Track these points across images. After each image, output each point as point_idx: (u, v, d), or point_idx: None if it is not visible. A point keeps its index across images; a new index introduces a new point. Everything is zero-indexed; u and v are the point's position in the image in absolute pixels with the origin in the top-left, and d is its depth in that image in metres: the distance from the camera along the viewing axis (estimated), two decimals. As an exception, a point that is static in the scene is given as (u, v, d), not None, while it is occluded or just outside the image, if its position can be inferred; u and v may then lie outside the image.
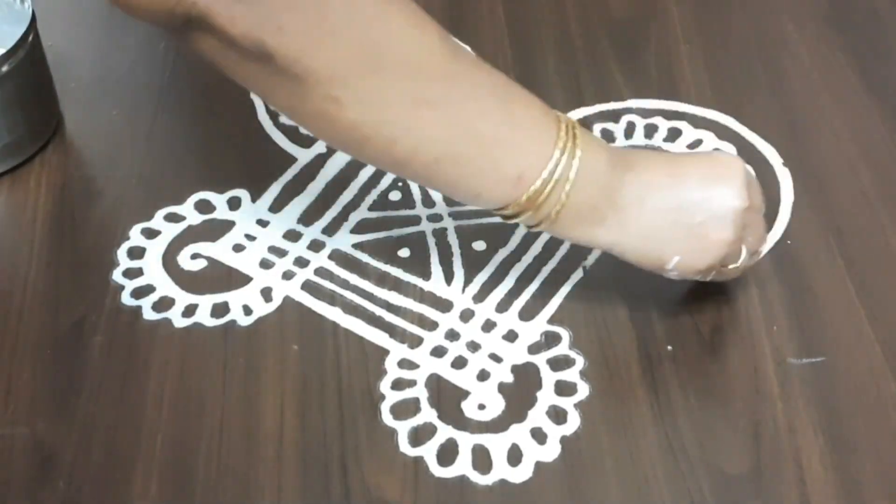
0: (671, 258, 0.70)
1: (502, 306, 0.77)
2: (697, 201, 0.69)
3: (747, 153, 0.87)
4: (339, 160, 0.87)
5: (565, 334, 0.75)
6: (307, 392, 0.72)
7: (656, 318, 0.76)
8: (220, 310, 0.77)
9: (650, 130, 0.89)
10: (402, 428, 0.70)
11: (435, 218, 0.82)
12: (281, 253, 0.80)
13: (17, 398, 0.72)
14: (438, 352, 0.74)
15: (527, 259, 0.80)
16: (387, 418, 0.70)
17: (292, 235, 0.82)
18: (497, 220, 0.82)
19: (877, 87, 0.92)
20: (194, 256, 0.80)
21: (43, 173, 0.86)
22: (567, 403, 0.71)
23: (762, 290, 0.77)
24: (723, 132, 0.89)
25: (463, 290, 0.78)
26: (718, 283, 0.77)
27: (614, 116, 0.90)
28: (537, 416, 0.70)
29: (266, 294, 0.78)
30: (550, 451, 0.69)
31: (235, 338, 0.75)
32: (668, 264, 0.70)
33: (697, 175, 0.70)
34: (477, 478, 0.68)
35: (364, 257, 0.80)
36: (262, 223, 0.83)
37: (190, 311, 0.77)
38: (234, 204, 0.84)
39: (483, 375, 0.73)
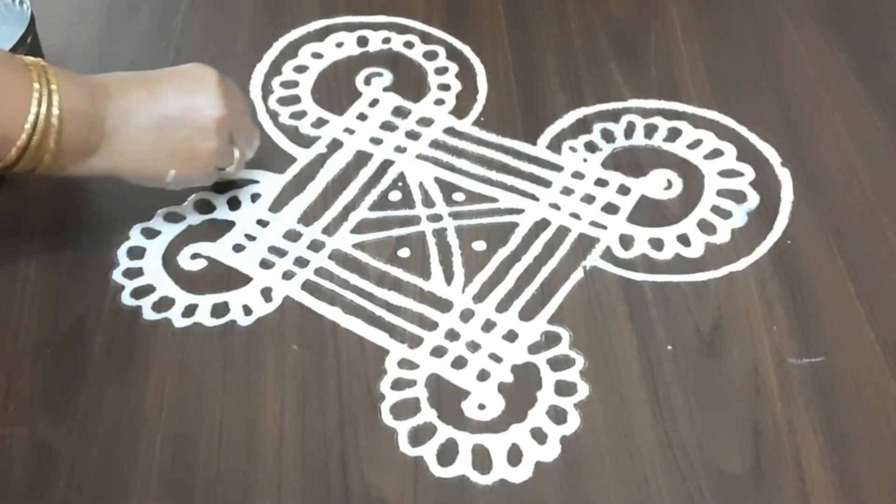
0: (167, 173, 0.76)
1: (502, 306, 0.77)
2: (177, 116, 0.74)
3: (747, 153, 0.87)
4: (339, 160, 0.87)
5: (565, 334, 0.75)
6: (307, 392, 0.72)
7: (656, 318, 0.76)
8: (220, 310, 0.77)
9: (650, 130, 0.89)
10: (402, 428, 0.70)
11: (435, 218, 0.82)
12: (281, 253, 0.80)
13: (17, 398, 0.72)
14: (438, 352, 0.74)
15: (527, 259, 0.80)
16: (387, 418, 0.70)
17: (292, 235, 0.82)
18: (497, 219, 0.82)
19: (877, 87, 0.92)
20: (194, 256, 0.80)
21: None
22: (567, 403, 0.71)
23: (762, 290, 0.77)
24: (723, 132, 0.89)
25: (463, 290, 0.78)
26: (722, 284, 0.77)
27: (614, 116, 0.90)
28: (537, 416, 0.70)
29: (266, 294, 0.78)
30: (550, 451, 0.69)
31: (235, 338, 0.75)
32: (167, 178, 0.76)
33: (172, 91, 0.75)
34: (477, 478, 0.68)
35: (364, 257, 0.80)
36: (262, 223, 0.83)
37: (190, 311, 0.77)
38: (233, 204, 0.84)
39: (483, 375, 0.73)
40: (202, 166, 0.77)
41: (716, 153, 0.87)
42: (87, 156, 0.73)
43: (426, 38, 0.97)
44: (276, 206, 0.84)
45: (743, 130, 0.89)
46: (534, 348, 0.74)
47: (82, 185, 0.85)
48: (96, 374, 0.73)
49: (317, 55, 0.96)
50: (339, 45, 0.97)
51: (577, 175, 0.86)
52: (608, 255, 0.80)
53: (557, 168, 0.86)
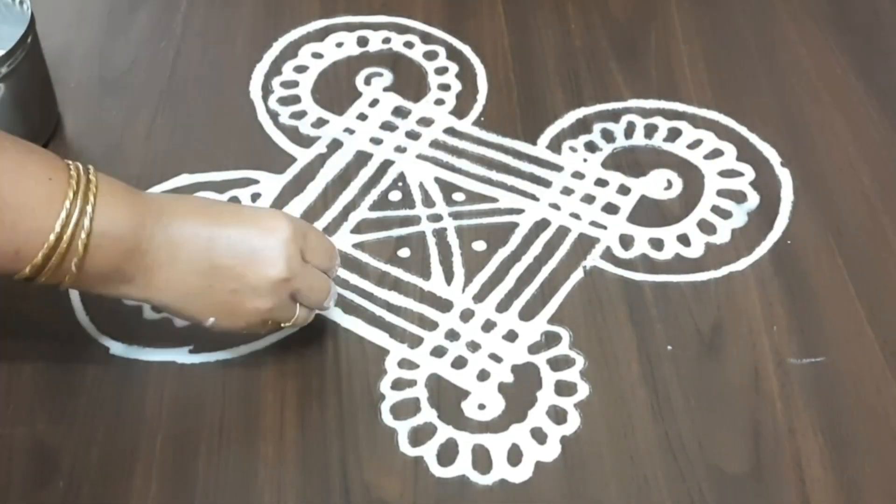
0: (207, 318, 0.68)
1: (502, 306, 0.77)
2: (230, 266, 0.66)
3: (747, 153, 0.87)
4: (339, 160, 0.87)
5: (565, 334, 0.75)
6: (307, 392, 0.72)
7: (656, 318, 0.76)
8: (220, 310, 0.77)
9: (650, 130, 0.89)
10: (402, 428, 0.70)
11: (435, 218, 0.82)
12: (281, 253, 0.80)
13: (17, 398, 0.72)
14: (438, 352, 0.74)
15: (527, 259, 0.80)
16: (387, 418, 0.70)
17: (292, 235, 0.82)
18: (497, 219, 0.82)
19: (877, 87, 0.92)
20: (194, 256, 0.80)
21: (43, 173, 0.86)
22: (567, 403, 0.71)
23: (762, 290, 0.77)
24: (723, 132, 0.89)
25: (463, 290, 0.78)
26: (722, 284, 0.77)
27: (614, 116, 0.90)
28: (537, 415, 0.70)
29: (266, 294, 0.78)
30: (550, 451, 0.69)
31: (235, 338, 0.75)
32: (205, 323, 0.68)
33: (235, 235, 0.66)
34: (477, 478, 0.68)
35: (364, 257, 0.80)
36: (262, 223, 0.82)
37: (190, 311, 0.77)
38: (234, 204, 0.84)
39: (483, 375, 0.73)
40: (246, 321, 0.69)
41: (716, 153, 0.87)
42: (118, 283, 0.65)
43: (426, 38, 0.97)
44: (276, 206, 0.84)
45: (743, 130, 0.89)
46: (534, 348, 0.74)
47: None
48: (96, 375, 0.73)
49: (317, 55, 0.96)
50: (340, 45, 0.97)
51: (578, 175, 0.86)
52: (608, 255, 0.80)
53: (557, 168, 0.86)
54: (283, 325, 0.70)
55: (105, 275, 0.64)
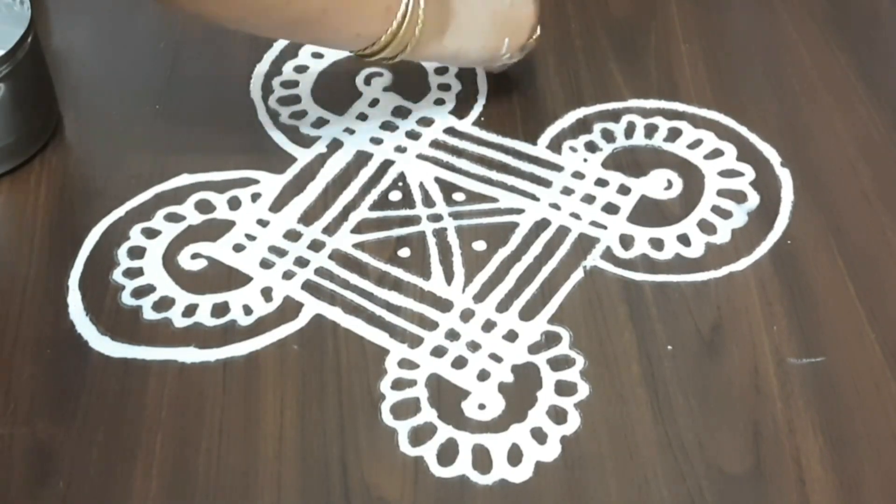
0: (503, 41, 0.84)
1: (502, 306, 0.77)
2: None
3: (747, 153, 0.87)
4: (339, 160, 0.87)
5: (565, 334, 0.75)
6: (307, 392, 0.72)
7: (656, 318, 0.76)
8: (220, 310, 0.77)
9: (650, 130, 0.89)
10: (402, 428, 0.70)
11: (435, 218, 0.82)
12: (281, 253, 0.80)
13: (17, 398, 0.72)
14: (438, 352, 0.74)
15: (527, 259, 0.80)
16: (387, 418, 0.70)
17: (292, 235, 0.82)
18: (497, 219, 0.82)
19: (877, 87, 0.92)
20: (194, 256, 0.80)
21: (43, 173, 0.86)
22: (567, 403, 0.71)
23: (762, 290, 0.77)
24: (723, 132, 0.89)
25: (463, 290, 0.78)
26: (722, 284, 0.77)
27: (614, 116, 0.90)
28: (537, 415, 0.70)
29: (266, 294, 0.78)
30: (550, 451, 0.69)
31: (235, 338, 0.75)
32: (503, 48, 0.84)
33: None
34: (477, 478, 0.68)
35: (364, 257, 0.80)
36: (263, 223, 0.83)
37: (190, 310, 0.77)
38: (234, 204, 0.84)
39: (483, 375, 0.73)
40: (526, 29, 0.85)
41: (716, 153, 0.87)
42: (440, 36, 0.81)
43: (426, 38, 0.97)
44: (277, 206, 0.84)
45: (743, 130, 0.89)
46: (534, 348, 0.74)
47: (82, 184, 0.86)
48: (96, 374, 0.73)
49: (317, 55, 0.96)
50: (340, 45, 0.97)
51: (578, 175, 0.86)
52: (608, 255, 0.80)
53: (558, 168, 0.86)
54: (533, 38, 0.87)
55: (434, 28, 0.80)
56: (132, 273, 0.79)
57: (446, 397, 0.72)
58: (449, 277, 0.79)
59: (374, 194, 0.84)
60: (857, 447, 0.69)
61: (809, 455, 0.68)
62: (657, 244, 0.80)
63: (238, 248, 0.81)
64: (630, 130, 0.89)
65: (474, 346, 0.74)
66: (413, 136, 0.89)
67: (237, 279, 0.79)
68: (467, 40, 0.83)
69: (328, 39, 0.83)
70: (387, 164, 0.87)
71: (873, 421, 0.70)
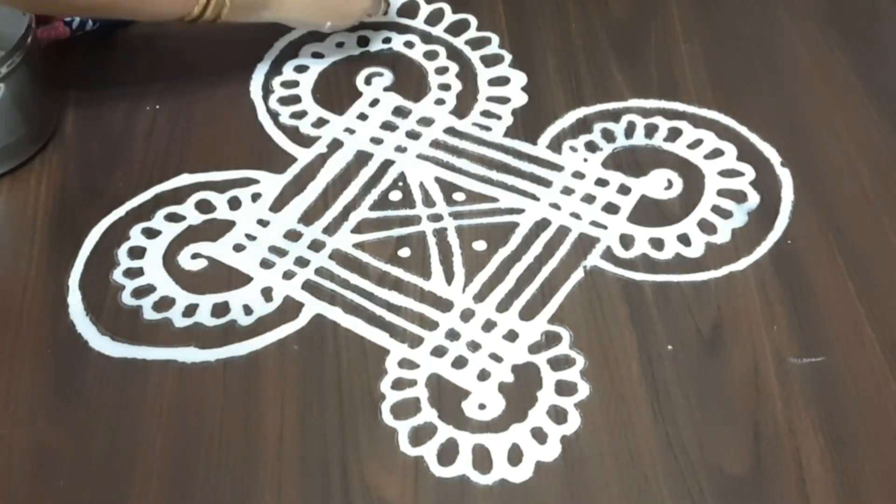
0: (325, 24, 0.93)
1: (502, 306, 0.77)
2: None
3: (747, 153, 0.87)
4: (339, 160, 0.87)
5: (565, 334, 0.75)
6: (307, 392, 0.72)
7: (656, 318, 0.76)
8: (220, 309, 0.77)
9: (650, 130, 0.89)
10: (403, 428, 0.70)
11: (435, 218, 0.82)
12: (281, 253, 0.80)
13: (17, 398, 0.72)
14: (439, 351, 0.74)
15: (527, 259, 0.80)
16: (387, 418, 0.70)
17: (292, 235, 0.82)
18: (497, 219, 0.82)
19: (877, 87, 0.92)
20: (195, 256, 0.80)
21: (43, 173, 0.86)
22: (567, 403, 0.71)
23: (762, 290, 0.77)
24: (723, 132, 0.89)
25: (463, 290, 0.78)
26: (722, 284, 0.77)
27: (614, 116, 0.90)
28: (538, 415, 0.70)
29: (266, 294, 0.78)
30: (551, 451, 0.69)
31: (236, 338, 0.75)
32: (324, 28, 0.93)
33: None
34: (477, 477, 0.68)
35: (364, 257, 0.80)
36: (263, 223, 0.83)
37: (190, 310, 0.77)
38: (234, 204, 0.84)
39: (483, 375, 0.73)
40: (354, 18, 0.93)
41: (716, 153, 0.87)
42: (259, 10, 0.87)
43: (427, 37, 0.97)
44: (277, 206, 0.84)
45: (743, 130, 0.89)
46: (534, 348, 0.74)
47: (82, 184, 0.85)
48: (96, 374, 0.73)
49: (317, 55, 0.96)
50: (340, 45, 0.97)
51: (578, 175, 0.86)
52: (608, 254, 0.80)
53: (558, 168, 0.86)
54: (372, 15, 0.94)
55: (247, 4, 0.86)
56: (132, 273, 0.79)
57: (446, 397, 0.72)
58: (449, 277, 0.79)
59: (374, 194, 0.84)
60: (857, 447, 0.69)
61: (809, 454, 0.68)
62: (657, 244, 0.80)
63: (238, 248, 0.81)
64: (630, 130, 0.89)
65: (474, 346, 0.74)
66: (413, 135, 0.89)
67: (237, 279, 0.79)
68: (286, 15, 0.90)
69: (133, 17, 0.91)
70: (387, 164, 0.87)
71: (873, 421, 0.70)
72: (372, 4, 0.93)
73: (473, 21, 0.98)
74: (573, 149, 0.87)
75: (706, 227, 0.82)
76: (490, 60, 0.95)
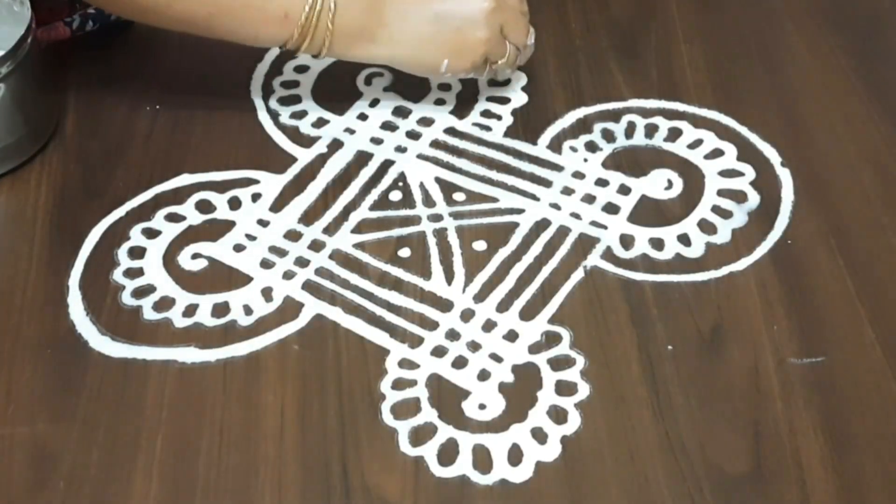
0: (441, 62, 0.84)
1: (503, 306, 0.77)
2: (450, 9, 0.83)
3: (747, 153, 0.87)
4: (339, 160, 0.87)
5: (566, 334, 0.75)
6: (307, 392, 0.72)
7: (656, 318, 0.76)
8: (220, 310, 0.77)
9: (650, 130, 0.89)
10: (403, 428, 0.70)
11: (435, 218, 0.82)
12: (281, 253, 0.80)
13: (17, 398, 0.72)
14: (439, 352, 0.74)
15: (527, 259, 0.80)
16: (387, 418, 0.70)
17: (293, 235, 0.82)
18: (497, 219, 0.82)
19: (877, 87, 0.92)
20: (195, 256, 0.80)
21: (43, 173, 0.86)
22: (567, 403, 0.71)
23: (762, 290, 0.77)
24: (723, 132, 0.89)
25: (463, 290, 0.78)
26: (722, 284, 0.77)
27: (614, 116, 0.90)
28: (538, 415, 0.70)
29: (266, 294, 0.78)
30: (551, 451, 0.69)
31: (236, 338, 0.75)
32: (441, 68, 0.84)
33: None
34: (477, 478, 0.68)
35: (364, 257, 0.80)
36: (263, 223, 0.83)
37: (190, 311, 0.77)
38: (234, 204, 0.84)
39: (483, 375, 0.73)
40: (472, 55, 0.84)
41: (716, 153, 0.87)
42: (365, 42, 0.83)
43: (426, 38, 0.97)
44: (277, 206, 0.84)
45: (743, 130, 0.89)
46: (534, 348, 0.74)
47: (82, 184, 0.85)
48: (96, 374, 0.73)
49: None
50: (340, 45, 0.97)
51: (578, 175, 0.86)
52: (608, 254, 0.80)
53: (558, 168, 0.86)
54: (499, 62, 0.86)
55: (353, 35, 0.82)
56: (132, 273, 0.79)
57: (446, 397, 0.72)
58: (449, 277, 0.79)
59: (374, 194, 0.84)
60: (858, 447, 0.69)
61: (810, 455, 0.68)
62: (657, 244, 0.80)
63: (238, 248, 0.81)
64: (630, 130, 0.89)
65: (475, 346, 0.74)
66: (413, 136, 0.89)
67: (237, 279, 0.79)
68: (400, 51, 0.84)
69: (227, 38, 0.85)
70: (387, 164, 0.87)
71: (873, 421, 0.70)
72: (488, 41, 0.84)
73: (473, 21, 0.98)
74: (573, 149, 0.88)
75: (706, 227, 0.82)
76: (490, 60, 0.95)
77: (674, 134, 0.89)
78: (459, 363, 0.74)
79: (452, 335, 0.75)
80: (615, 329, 0.75)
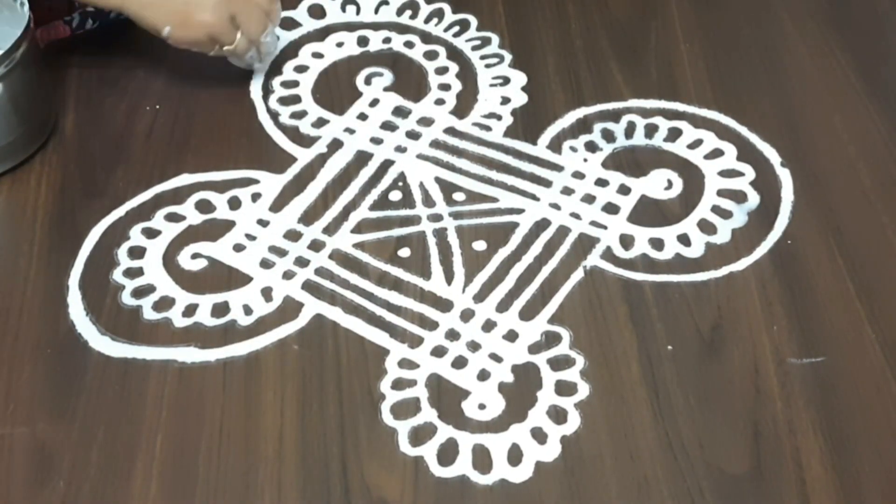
0: (163, 27, 0.86)
1: (502, 306, 0.77)
2: None
3: (747, 153, 0.87)
4: (339, 160, 0.87)
5: (565, 334, 0.75)
6: (307, 392, 0.72)
7: (656, 318, 0.76)
8: (220, 309, 0.77)
9: (650, 130, 0.89)
10: (403, 428, 0.70)
11: (435, 218, 0.82)
12: (281, 253, 0.80)
13: (17, 398, 0.72)
14: (439, 352, 0.74)
15: (527, 259, 0.80)
16: (387, 418, 0.70)
17: (293, 235, 0.82)
18: (497, 219, 0.82)
19: (877, 87, 0.92)
20: (195, 256, 0.80)
21: (43, 173, 0.86)
22: (567, 403, 0.71)
23: (762, 290, 0.77)
24: (723, 132, 0.89)
25: (463, 290, 0.78)
26: (722, 284, 0.77)
27: (614, 116, 0.90)
28: (537, 415, 0.70)
29: (266, 294, 0.78)
30: (550, 451, 0.69)
31: (235, 338, 0.75)
32: (163, 32, 0.87)
33: None
34: (477, 477, 0.68)
35: (364, 257, 0.80)
36: (263, 223, 0.83)
37: (190, 310, 0.77)
38: (234, 204, 0.84)
39: (483, 375, 0.73)
40: (195, 33, 0.87)
41: (716, 153, 0.87)
42: None
43: (426, 37, 0.97)
44: (277, 206, 0.84)
45: (743, 130, 0.89)
46: (534, 348, 0.74)
47: (82, 184, 0.85)
48: (96, 374, 0.73)
49: (317, 55, 0.96)
50: (340, 44, 0.97)
51: (578, 175, 0.86)
52: (608, 254, 0.80)
53: (558, 168, 0.86)
54: (225, 48, 0.88)
55: None
56: (132, 273, 0.79)
57: (446, 397, 0.72)
58: (449, 277, 0.79)
59: (374, 194, 0.84)
60: (857, 447, 0.69)
61: (809, 455, 0.68)
62: (657, 244, 0.80)
63: (238, 247, 0.81)
64: (630, 130, 0.89)
65: (474, 346, 0.74)
66: (413, 136, 0.89)
67: (237, 279, 0.79)
68: (127, 7, 0.86)
69: None
70: (387, 164, 0.87)
71: (873, 421, 0.70)
72: (211, 26, 0.87)
73: (473, 21, 0.99)
74: (573, 149, 0.87)
75: (706, 227, 0.82)
76: (490, 60, 0.95)
77: (674, 134, 0.89)
78: (459, 363, 0.74)
79: (452, 335, 0.75)
80: (615, 329, 0.75)
